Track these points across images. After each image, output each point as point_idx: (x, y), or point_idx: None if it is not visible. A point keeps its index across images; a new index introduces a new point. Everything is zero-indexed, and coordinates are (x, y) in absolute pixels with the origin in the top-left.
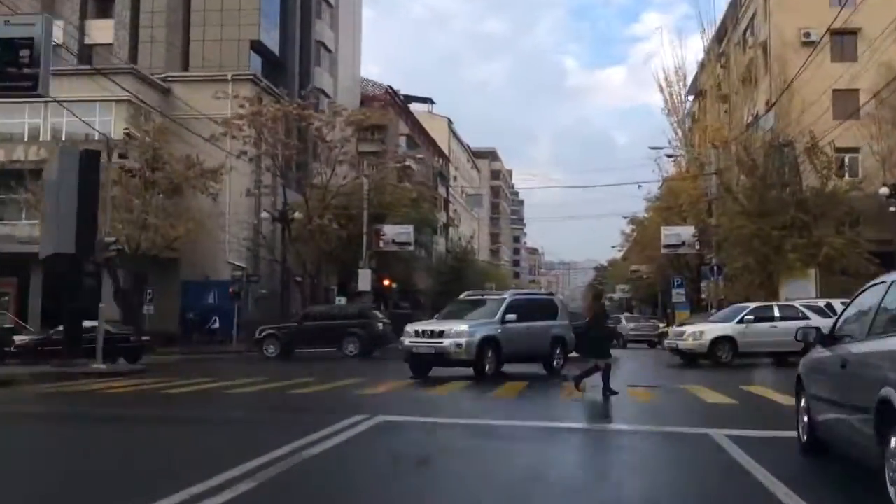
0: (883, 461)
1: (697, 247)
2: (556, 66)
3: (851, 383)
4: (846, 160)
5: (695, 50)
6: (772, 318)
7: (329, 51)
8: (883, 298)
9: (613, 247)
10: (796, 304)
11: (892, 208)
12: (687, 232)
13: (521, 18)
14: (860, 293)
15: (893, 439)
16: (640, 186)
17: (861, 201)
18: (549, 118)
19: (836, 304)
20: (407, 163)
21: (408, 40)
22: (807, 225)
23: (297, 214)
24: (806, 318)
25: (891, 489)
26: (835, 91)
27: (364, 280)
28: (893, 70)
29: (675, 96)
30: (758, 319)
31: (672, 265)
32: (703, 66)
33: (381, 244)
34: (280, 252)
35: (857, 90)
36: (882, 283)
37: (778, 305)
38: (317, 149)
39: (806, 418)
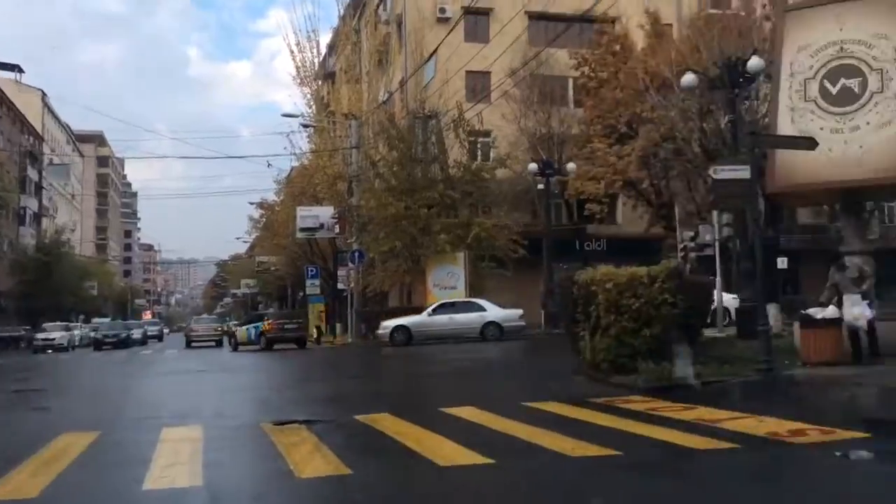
0: None
1: (338, 229)
2: (179, 55)
3: None
4: (479, 144)
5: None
6: None
7: None
8: None
9: (238, 238)
10: None
11: (539, 186)
12: (326, 213)
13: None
14: None
15: None
16: (269, 165)
17: (505, 183)
18: (170, 108)
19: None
20: None
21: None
22: (455, 203)
23: None
24: None
25: None
26: (468, 72)
27: None
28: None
29: (307, 63)
30: None
31: (305, 254)
32: (332, 47)
33: None
34: None
35: (489, 73)
36: None
37: None
38: None
39: None
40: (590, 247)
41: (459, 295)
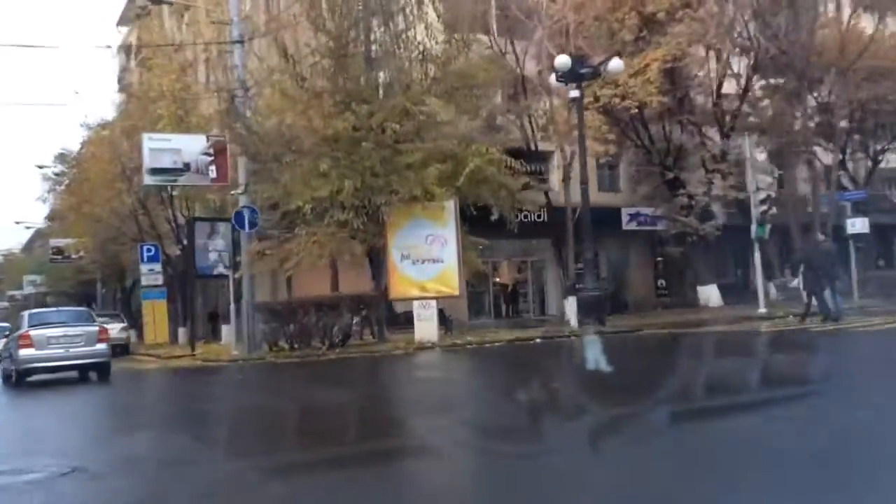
0: None
1: (213, 172)
2: None
3: None
4: None
5: None
6: None
7: None
8: None
9: (19, 222)
10: None
11: (573, 93)
12: (193, 146)
13: None
14: None
15: None
16: (78, 93)
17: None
18: None
19: None
20: None
21: None
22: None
23: None
24: None
25: None
26: None
27: None
28: None
29: None
30: None
31: (128, 231)
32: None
33: None
34: None
35: None
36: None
37: None
38: None
39: None
40: None
41: (451, 270)
